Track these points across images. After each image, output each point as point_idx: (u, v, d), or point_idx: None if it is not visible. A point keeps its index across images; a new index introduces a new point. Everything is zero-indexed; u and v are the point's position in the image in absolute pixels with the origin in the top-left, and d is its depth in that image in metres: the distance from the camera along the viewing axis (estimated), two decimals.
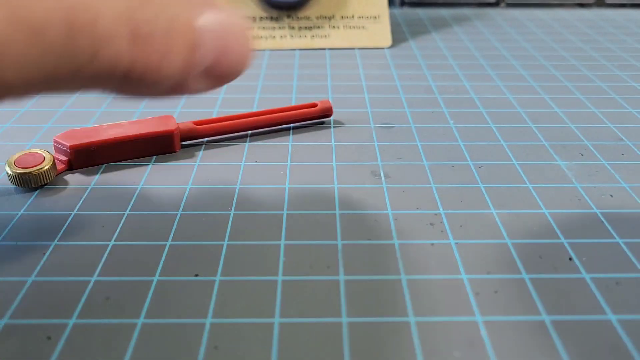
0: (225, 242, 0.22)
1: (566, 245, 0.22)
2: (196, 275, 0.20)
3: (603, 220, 0.24)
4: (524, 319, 0.19)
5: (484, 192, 0.26)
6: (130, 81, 0.15)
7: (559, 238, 0.22)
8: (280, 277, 0.20)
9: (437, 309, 0.19)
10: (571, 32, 0.50)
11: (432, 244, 0.22)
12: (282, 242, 0.22)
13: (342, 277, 0.20)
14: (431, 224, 0.23)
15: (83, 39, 0.13)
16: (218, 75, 0.17)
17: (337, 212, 0.24)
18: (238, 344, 0.18)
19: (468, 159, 0.28)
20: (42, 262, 0.21)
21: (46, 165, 0.25)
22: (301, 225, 0.23)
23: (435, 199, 0.25)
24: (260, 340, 0.18)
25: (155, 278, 0.20)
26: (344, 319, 0.18)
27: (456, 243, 0.22)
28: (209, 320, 0.18)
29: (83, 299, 0.19)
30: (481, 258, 0.21)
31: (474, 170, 0.27)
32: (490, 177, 0.27)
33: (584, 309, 0.19)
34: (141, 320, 0.18)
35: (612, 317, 0.19)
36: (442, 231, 0.23)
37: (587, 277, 0.20)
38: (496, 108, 0.35)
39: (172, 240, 0.22)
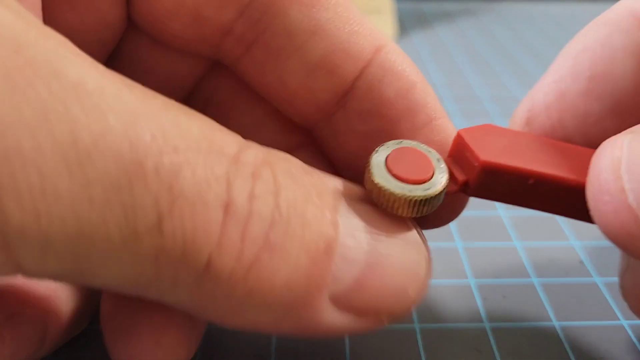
0: None
1: (576, 248, 0.21)
2: None
3: None
4: (534, 325, 0.18)
5: None
6: (212, 285, 0.11)
7: (567, 240, 0.22)
8: None
9: (443, 315, 0.18)
10: (581, 28, 0.49)
11: (438, 248, 0.21)
12: None
13: None
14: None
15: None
16: (363, 309, 0.13)
17: None
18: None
19: None
20: None
21: (439, 184, 0.14)
22: None
23: None
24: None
25: None
26: None
27: (463, 247, 0.22)
28: None
29: None
30: (489, 262, 0.21)
31: None
32: None
33: (596, 314, 0.18)
34: None
35: (624, 323, 0.18)
36: (448, 234, 0.22)
37: (598, 281, 0.20)
38: (501, 104, 0.34)
39: None
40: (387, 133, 0.16)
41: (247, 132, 0.17)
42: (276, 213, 0.11)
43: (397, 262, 0.13)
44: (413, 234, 0.13)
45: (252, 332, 0.12)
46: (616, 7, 0.17)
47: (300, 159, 0.13)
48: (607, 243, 0.22)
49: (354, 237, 0.12)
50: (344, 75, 0.15)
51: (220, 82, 0.18)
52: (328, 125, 0.16)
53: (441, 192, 0.14)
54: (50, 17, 0.15)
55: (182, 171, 0.10)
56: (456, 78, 0.38)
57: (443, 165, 0.14)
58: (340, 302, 0.12)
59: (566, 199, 0.15)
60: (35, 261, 0.10)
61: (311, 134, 0.17)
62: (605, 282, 0.20)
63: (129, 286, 0.11)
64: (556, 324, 0.18)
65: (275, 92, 0.16)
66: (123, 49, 0.17)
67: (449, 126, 0.16)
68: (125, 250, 0.10)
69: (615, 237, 0.13)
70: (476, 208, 0.24)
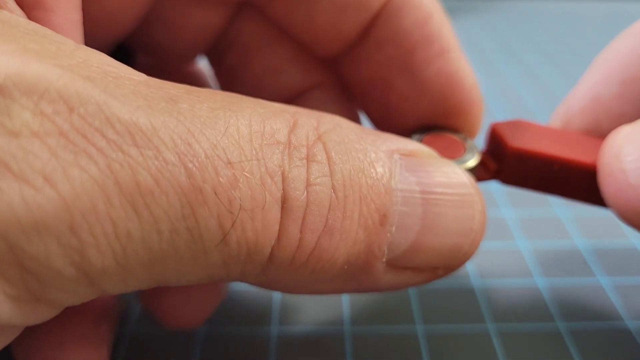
0: None
1: (581, 248, 0.21)
2: None
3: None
4: (538, 326, 0.18)
5: (493, 193, 0.25)
6: (277, 271, 0.12)
7: (572, 240, 0.22)
8: None
9: (448, 317, 0.18)
10: (586, 26, 0.49)
11: None
12: None
13: None
14: None
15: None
16: (419, 267, 0.13)
17: None
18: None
19: None
20: None
21: (469, 161, 0.16)
22: None
23: None
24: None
25: None
26: (347, 328, 0.18)
27: None
28: None
29: None
30: (493, 263, 0.21)
31: None
32: None
33: (601, 315, 0.18)
34: None
35: (630, 324, 0.18)
36: None
37: (602, 281, 0.20)
38: (505, 102, 0.34)
39: None
40: (402, 62, 0.16)
41: (269, 74, 0.18)
42: (333, 196, 0.12)
43: (451, 220, 0.13)
44: (466, 186, 0.13)
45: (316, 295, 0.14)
46: None
47: (321, 97, 0.15)
48: (612, 243, 0.21)
49: (408, 202, 0.13)
50: (370, 10, 0.16)
51: (244, 25, 0.18)
52: (349, 56, 0.17)
53: (472, 168, 0.15)
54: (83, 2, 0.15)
55: (238, 183, 0.11)
56: None
57: (474, 147, 0.16)
58: (398, 264, 0.13)
59: (588, 184, 0.16)
60: (117, 287, 0.11)
61: (330, 72, 0.18)
62: (610, 283, 0.19)
63: (202, 282, 0.12)
64: (560, 324, 0.18)
65: (304, 30, 0.17)
66: (153, 11, 0.17)
67: (462, 60, 0.16)
68: (195, 265, 0.11)
69: (623, 214, 0.14)
70: None
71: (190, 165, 0.11)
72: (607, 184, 0.15)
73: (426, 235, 0.13)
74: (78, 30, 0.14)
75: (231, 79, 0.19)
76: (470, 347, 0.17)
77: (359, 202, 0.12)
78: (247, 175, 0.11)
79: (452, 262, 0.13)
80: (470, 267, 0.20)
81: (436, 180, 0.13)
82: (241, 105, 0.12)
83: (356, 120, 0.18)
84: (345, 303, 0.19)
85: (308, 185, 0.12)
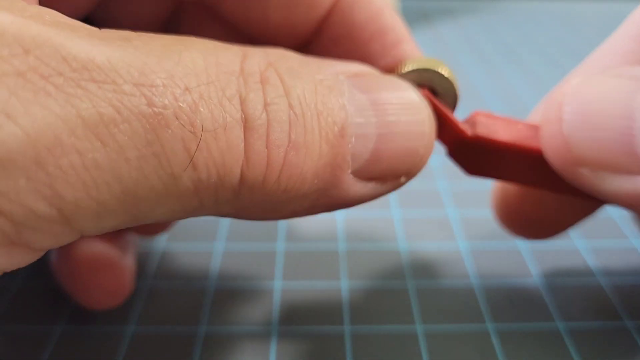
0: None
1: (580, 249, 0.21)
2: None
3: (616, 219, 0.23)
4: (537, 326, 0.18)
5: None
6: (250, 194, 0.12)
7: (572, 241, 0.22)
8: (279, 282, 0.20)
9: (446, 316, 0.18)
10: (586, 26, 0.49)
11: (440, 248, 0.21)
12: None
13: (344, 284, 0.20)
14: (439, 226, 0.22)
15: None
16: (383, 175, 0.14)
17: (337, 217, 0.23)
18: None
19: None
20: None
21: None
22: (303, 226, 0.22)
23: (441, 200, 0.24)
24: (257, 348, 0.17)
25: None
26: (347, 328, 0.18)
27: (467, 248, 0.21)
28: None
29: None
30: (493, 263, 0.21)
31: None
32: None
33: (598, 315, 0.18)
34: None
35: (629, 324, 0.18)
36: (451, 236, 0.22)
37: (602, 281, 0.20)
38: (505, 102, 0.34)
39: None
40: (358, 55, 0.17)
41: None
42: (292, 113, 0.13)
43: (403, 126, 0.14)
44: (411, 95, 0.14)
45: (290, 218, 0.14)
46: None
47: None
48: (611, 243, 0.21)
49: (361, 114, 0.13)
50: (322, 6, 0.16)
51: (192, 22, 0.18)
52: (304, 53, 0.17)
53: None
54: None
55: (198, 107, 0.12)
56: (459, 76, 0.38)
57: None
58: (363, 174, 0.14)
59: (547, 171, 0.16)
60: (94, 224, 0.11)
61: None
62: (609, 283, 0.20)
63: (177, 217, 0.13)
64: (559, 324, 0.18)
65: (257, 28, 0.17)
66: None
67: (416, 49, 0.17)
68: (167, 193, 0.12)
69: (554, 163, 0.15)
70: (479, 208, 0.24)
71: (149, 93, 0.11)
72: (545, 130, 0.15)
73: (384, 142, 0.14)
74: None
75: None
76: (469, 346, 0.17)
77: (317, 117, 0.13)
78: (206, 99, 0.12)
79: (411, 166, 0.14)
80: (470, 267, 0.20)
81: (383, 92, 0.14)
82: (192, 41, 0.13)
83: None
84: (345, 303, 0.19)
85: (266, 104, 0.12)
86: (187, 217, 0.13)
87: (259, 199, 0.13)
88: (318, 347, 0.17)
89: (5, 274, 0.13)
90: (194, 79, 0.12)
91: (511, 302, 0.19)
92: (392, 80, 0.15)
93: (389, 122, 0.14)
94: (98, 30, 0.12)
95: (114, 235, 0.18)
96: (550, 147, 0.15)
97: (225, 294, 0.19)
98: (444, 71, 0.16)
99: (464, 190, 0.25)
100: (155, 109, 0.11)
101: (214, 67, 0.12)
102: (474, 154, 0.16)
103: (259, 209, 0.13)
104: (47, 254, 0.18)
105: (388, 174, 0.14)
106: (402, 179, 0.15)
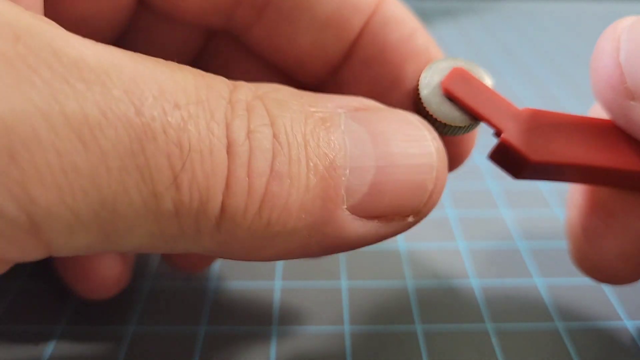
0: None
1: None
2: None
3: None
4: (537, 326, 0.18)
5: (492, 192, 0.25)
6: (232, 226, 0.12)
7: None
8: (279, 282, 0.20)
9: (446, 316, 0.18)
10: (586, 26, 0.49)
11: (440, 247, 0.21)
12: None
13: (344, 284, 0.20)
14: (439, 226, 0.22)
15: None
16: (386, 213, 0.13)
17: None
18: None
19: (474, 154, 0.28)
20: None
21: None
22: None
23: (441, 200, 0.24)
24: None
25: None
26: (347, 328, 0.18)
27: (466, 247, 0.21)
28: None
29: None
30: (492, 262, 0.21)
31: (483, 170, 0.27)
32: (499, 175, 0.26)
33: (599, 315, 0.18)
34: None
35: (628, 324, 0.18)
36: (450, 234, 0.22)
37: None
38: None
39: None
40: (392, 77, 0.16)
41: None
42: (275, 142, 0.12)
43: (407, 158, 0.13)
44: (418, 127, 0.13)
45: (284, 259, 0.13)
46: None
47: None
48: None
49: (357, 144, 0.12)
50: (352, 27, 0.16)
51: (222, 52, 0.18)
52: (335, 78, 0.17)
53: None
54: (56, 7, 0.15)
55: (187, 125, 0.11)
56: None
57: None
58: (362, 210, 0.12)
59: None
60: (64, 239, 0.10)
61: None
62: None
63: (155, 246, 0.12)
64: (559, 324, 0.18)
65: (286, 54, 0.16)
66: (132, 25, 0.17)
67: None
68: (147, 211, 0.11)
69: (604, 97, 0.14)
70: (478, 208, 0.24)
71: (138, 102, 0.11)
72: (597, 61, 0.15)
73: (384, 175, 0.12)
74: (39, 9, 0.13)
75: None
76: (469, 346, 0.17)
77: (304, 147, 0.12)
78: (195, 118, 0.11)
79: (419, 204, 0.13)
80: (470, 267, 0.20)
81: (385, 123, 0.13)
82: (183, 66, 0.12)
83: None
84: (345, 303, 0.19)
85: (249, 132, 0.12)
86: (166, 248, 0.12)
87: (242, 232, 0.12)
88: (318, 347, 0.17)
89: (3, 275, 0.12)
90: (184, 97, 0.11)
91: (511, 302, 0.19)
92: (397, 112, 0.14)
93: (390, 153, 0.13)
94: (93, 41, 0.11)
95: None
96: (603, 79, 0.14)
97: (225, 294, 0.19)
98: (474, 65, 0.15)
99: (464, 190, 0.25)
100: (143, 119, 0.11)
101: (205, 89, 0.12)
102: (531, 169, 0.14)
103: (244, 245, 0.12)
104: None
105: (392, 212, 0.13)
106: (410, 219, 0.13)
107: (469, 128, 0.15)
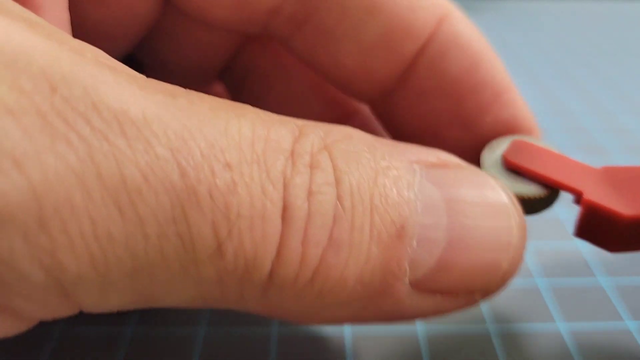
0: None
1: (581, 249, 0.21)
2: None
3: None
4: (538, 327, 0.18)
5: None
6: (279, 293, 0.11)
7: (572, 241, 0.22)
8: None
9: (448, 318, 0.18)
10: (586, 26, 0.49)
11: None
12: None
13: None
14: None
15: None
16: (451, 289, 0.12)
17: None
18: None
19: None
20: None
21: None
22: None
23: None
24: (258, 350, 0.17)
25: None
26: (347, 328, 0.18)
27: None
28: None
29: None
30: None
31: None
32: None
33: (600, 316, 0.18)
34: None
35: (630, 325, 0.18)
36: None
37: (602, 282, 0.20)
38: None
39: None
40: (450, 113, 0.15)
41: (292, 103, 0.16)
42: (338, 206, 0.11)
43: (483, 233, 0.11)
44: (500, 196, 0.12)
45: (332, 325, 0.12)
46: None
47: (354, 125, 0.13)
48: None
49: (431, 212, 0.11)
50: (404, 53, 0.14)
51: (261, 52, 0.17)
52: (386, 103, 0.15)
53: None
54: (79, 14, 0.14)
55: (237, 187, 0.10)
56: None
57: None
58: (424, 285, 0.11)
59: None
60: (96, 301, 0.10)
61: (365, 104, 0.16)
62: (610, 283, 0.19)
63: (196, 305, 0.11)
64: (560, 325, 0.18)
65: (329, 70, 0.15)
66: (161, 25, 0.16)
67: (518, 100, 0.15)
68: (186, 278, 0.10)
69: None
70: None
71: (184, 163, 0.09)
72: None
73: (455, 249, 0.11)
74: (67, 30, 0.13)
75: None
76: (470, 347, 0.17)
77: (369, 213, 0.11)
78: (247, 180, 0.10)
79: (490, 283, 0.12)
80: None
81: (464, 189, 0.12)
82: (244, 110, 0.11)
83: None
84: None
85: (310, 194, 0.10)
86: (208, 307, 0.11)
87: (290, 301, 0.11)
88: (318, 347, 0.17)
89: None
90: (237, 154, 0.10)
91: (512, 302, 0.19)
92: (478, 174, 0.12)
93: (464, 226, 0.11)
94: (142, 77, 0.10)
95: None
96: None
97: None
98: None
99: None
100: (188, 182, 0.09)
101: (262, 142, 0.10)
102: (627, 230, 0.13)
103: (291, 311, 0.11)
104: None
105: (458, 289, 0.12)
106: (477, 296, 0.12)
107: (548, 200, 0.13)
